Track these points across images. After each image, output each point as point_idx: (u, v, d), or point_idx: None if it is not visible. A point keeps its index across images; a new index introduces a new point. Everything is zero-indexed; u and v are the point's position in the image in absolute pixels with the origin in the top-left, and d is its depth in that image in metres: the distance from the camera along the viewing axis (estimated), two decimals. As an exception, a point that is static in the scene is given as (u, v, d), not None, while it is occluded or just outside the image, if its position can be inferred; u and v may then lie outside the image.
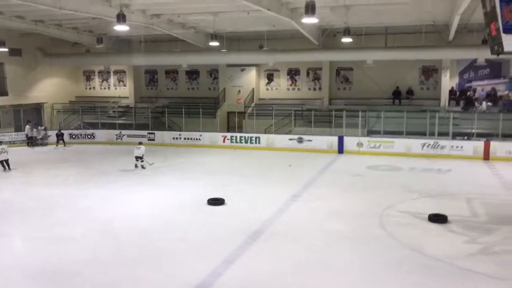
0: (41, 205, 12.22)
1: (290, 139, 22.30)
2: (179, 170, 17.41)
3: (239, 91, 27.37)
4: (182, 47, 25.69)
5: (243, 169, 17.60)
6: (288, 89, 27.69)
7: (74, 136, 24.93)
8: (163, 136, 24.40)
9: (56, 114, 27.91)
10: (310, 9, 12.63)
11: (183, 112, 24.93)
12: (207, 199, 12.23)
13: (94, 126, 26.30)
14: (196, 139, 23.89)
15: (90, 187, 14.42)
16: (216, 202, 12.11)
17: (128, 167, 17.20)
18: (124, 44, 28.23)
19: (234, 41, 27.06)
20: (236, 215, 11.31)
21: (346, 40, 20.69)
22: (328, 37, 24.10)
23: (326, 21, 20.84)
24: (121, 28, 16.12)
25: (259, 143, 22.78)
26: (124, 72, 30.48)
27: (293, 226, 10.38)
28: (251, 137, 23.03)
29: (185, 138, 24.11)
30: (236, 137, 23.31)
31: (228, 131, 25.72)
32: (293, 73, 27.54)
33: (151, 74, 30.35)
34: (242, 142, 23.05)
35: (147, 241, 9.44)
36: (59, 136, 23.72)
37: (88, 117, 27.29)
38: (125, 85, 30.72)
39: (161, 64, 28.59)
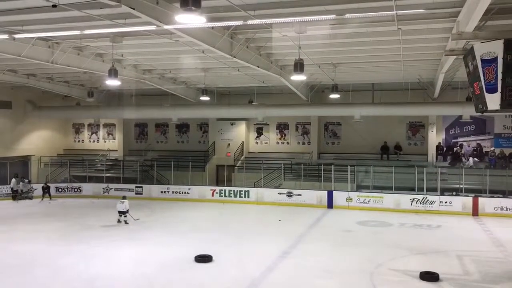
0: (20, 263, 11.76)
1: (280, 193, 22.16)
2: (166, 225, 17.07)
3: (229, 144, 27.50)
4: (173, 101, 25.98)
5: (232, 224, 17.33)
6: (278, 143, 27.88)
7: (60, 190, 24.52)
8: (150, 189, 24.12)
9: (43, 167, 27.61)
10: (298, 67, 12.97)
11: (172, 165, 24.83)
12: (194, 256, 11.91)
13: (81, 179, 25.98)
14: (185, 192, 23.63)
15: (73, 243, 13.99)
16: (203, 259, 11.79)
17: (113, 222, 16.83)
18: (114, 98, 28.52)
19: (224, 95, 27.50)
20: (224, 273, 10.99)
21: (334, 96, 21.19)
22: (316, 93, 24.63)
23: (314, 78, 21.35)
24: (112, 83, 16.33)
25: (248, 197, 22.58)
26: (114, 125, 30.56)
27: (283, 284, 10.09)
28: (240, 191, 22.85)
29: (173, 192, 23.83)
30: (225, 190, 23.11)
31: (217, 184, 25.55)
32: (282, 127, 27.83)
33: (141, 127, 30.46)
34: (231, 196, 22.83)
35: (131, 301, 9.07)
36: (45, 190, 23.32)
37: (75, 170, 27.01)
38: (114, 138, 30.71)
39: (151, 117, 28.75)
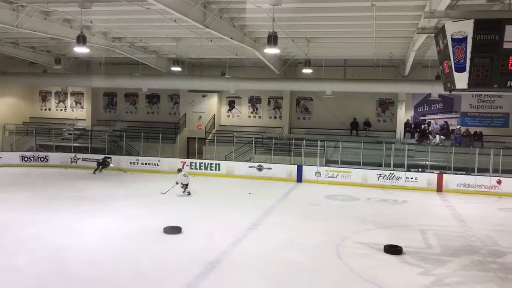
0: (-16, 232, 11.52)
1: (250, 167, 22.27)
2: (135, 197, 16.96)
3: (200, 116, 27.30)
4: (143, 70, 25.48)
5: (201, 197, 17.35)
6: (249, 117, 27.83)
7: (26, 159, 23.94)
8: (120, 160, 23.76)
9: (8, 135, 26.83)
10: (272, 40, 12.85)
11: (142, 137, 24.51)
12: (163, 227, 11.91)
13: (48, 148, 25.38)
14: (155, 164, 23.46)
15: (38, 212, 13.75)
16: (172, 230, 11.79)
17: (81, 192, 16.59)
18: (83, 66, 27.73)
19: (196, 67, 27.13)
20: (193, 244, 11.04)
21: (307, 71, 21.22)
22: (289, 67, 24.57)
23: (288, 52, 21.26)
24: (81, 50, 15.88)
25: (219, 170, 22.62)
26: (82, 94, 29.80)
27: (251, 256, 10.23)
28: (211, 164, 22.85)
29: (143, 163, 23.61)
30: (195, 163, 23.05)
31: (188, 157, 25.45)
32: (254, 101, 27.75)
33: (110, 97, 29.80)
34: (201, 169, 22.81)
35: (98, 272, 9.02)
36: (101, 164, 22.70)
37: (42, 139, 26.32)
38: (82, 107, 29.98)
39: (121, 87, 28.11)
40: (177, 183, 17.08)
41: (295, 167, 21.68)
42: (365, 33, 16.60)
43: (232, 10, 14.36)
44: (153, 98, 29.09)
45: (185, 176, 17.34)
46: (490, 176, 19.99)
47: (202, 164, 22.92)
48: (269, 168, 21.95)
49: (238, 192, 18.42)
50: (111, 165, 22.37)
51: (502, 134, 24.13)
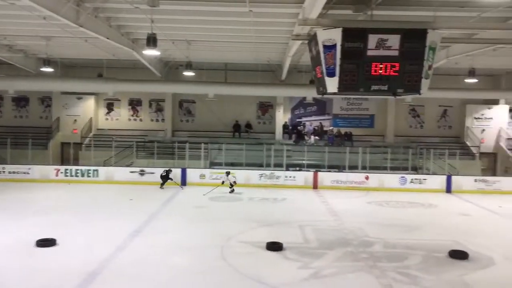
0: None
1: (132, 172, 21.51)
2: (2, 209, 15.39)
3: (75, 120, 25.80)
4: (9, 71, 23.29)
5: (78, 206, 16.33)
6: (130, 120, 26.98)
7: None
8: (-19, 170, 21.42)
9: None
10: (151, 42, 12.62)
11: (9, 143, 22.35)
12: (35, 240, 10.97)
13: None
14: (24, 172, 21.48)
15: None
16: (46, 243, 10.92)
17: None
18: None
19: (70, 67, 25.53)
20: (69, 256, 10.33)
21: (188, 73, 21.18)
22: (170, 70, 24.35)
23: (168, 54, 21.03)
24: None
25: (97, 176, 21.45)
26: None
27: (134, 263, 9.89)
28: (88, 170, 21.57)
29: (10, 172, 21.48)
30: (71, 170, 21.59)
31: (62, 164, 23.84)
32: (135, 103, 26.96)
33: (-30, 100, 26.75)
34: (78, 176, 21.43)
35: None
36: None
37: None
38: None
39: (-18, 88, 25.36)
40: (223, 183, 19.06)
41: (179, 170, 21.46)
42: (244, 38, 17.06)
43: (108, 10, 13.79)
44: (21, 101, 26.74)
45: (234, 177, 19.44)
46: (359, 172, 21.85)
47: (79, 171, 21.55)
48: (151, 173, 21.38)
49: (119, 199, 17.69)
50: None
51: (369, 134, 26.57)
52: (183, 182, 21.11)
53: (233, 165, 22.30)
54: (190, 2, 12.57)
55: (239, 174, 21.08)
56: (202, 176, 21.31)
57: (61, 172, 21.41)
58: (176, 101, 26.86)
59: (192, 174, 21.39)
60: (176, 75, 24.87)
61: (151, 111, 27.00)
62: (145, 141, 24.38)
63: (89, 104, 26.08)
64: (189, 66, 20.58)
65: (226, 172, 19.69)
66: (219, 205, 17.15)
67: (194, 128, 26.66)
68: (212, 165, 22.78)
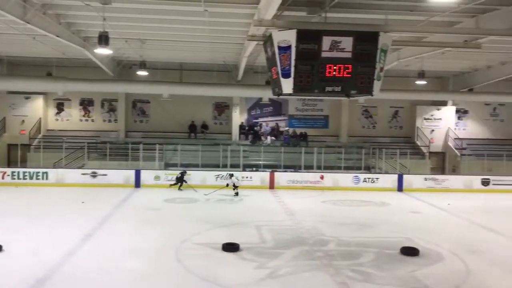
0: None
1: (83, 174, 20.85)
2: None
3: (23, 121, 24.78)
4: (-51, 68, 22.06)
5: (26, 209, 15.64)
6: (81, 120, 26.21)
7: None
8: None
9: None
10: (103, 40, 12.29)
11: (-51, 145, 21.20)
12: (-22, 247, 10.42)
13: None
14: (-33, 176, 20.43)
15: None
16: (-11, 250, 10.40)
17: None
18: None
19: (17, 65, 24.50)
20: (15, 263, 9.85)
21: (142, 73, 20.81)
22: (124, 69, 23.83)
23: (121, 53, 20.56)
24: None
25: (47, 179, 20.64)
26: None
27: (85, 268, 9.55)
28: (37, 173, 20.73)
29: (-49, 176, 20.38)
30: (18, 172, 20.67)
31: (8, 166, 22.80)
32: (86, 103, 26.21)
33: None
34: (26, 178, 20.53)
35: None
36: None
37: None
38: None
39: None
40: (227, 185, 18.93)
41: (133, 172, 21.00)
42: (199, 37, 16.92)
43: (57, 6, 13.30)
44: (-38, 100, 25.38)
45: (238, 180, 19.12)
46: (314, 172, 22.16)
47: (27, 173, 20.66)
48: (104, 175, 20.82)
49: (69, 202, 17.08)
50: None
51: (323, 134, 27.02)
52: (137, 184, 20.68)
53: (189, 166, 22.06)
54: (144, 0, 12.32)
55: (195, 175, 20.89)
56: (157, 177, 20.96)
57: (8, 175, 20.49)
58: (130, 101, 26.31)
59: (147, 175, 20.99)
60: (129, 75, 24.37)
61: (104, 111, 26.32)
62: (97, 142, 23.74)
63: (38, 104, 25.12)
64: (143, 65, 20.23)
65: (230, 174, 19.58)
66: (174, 206, 16.92)
67: (149, 128, 26.21)
68: (167, 166, 22.45)
